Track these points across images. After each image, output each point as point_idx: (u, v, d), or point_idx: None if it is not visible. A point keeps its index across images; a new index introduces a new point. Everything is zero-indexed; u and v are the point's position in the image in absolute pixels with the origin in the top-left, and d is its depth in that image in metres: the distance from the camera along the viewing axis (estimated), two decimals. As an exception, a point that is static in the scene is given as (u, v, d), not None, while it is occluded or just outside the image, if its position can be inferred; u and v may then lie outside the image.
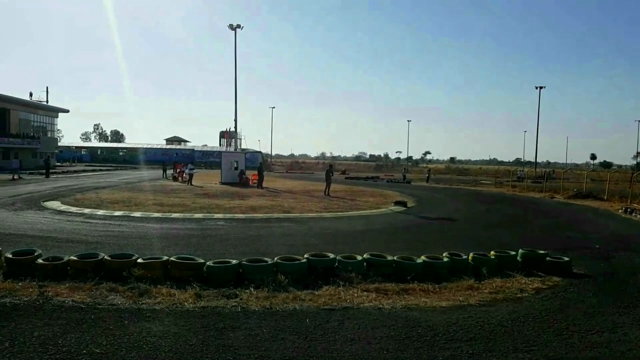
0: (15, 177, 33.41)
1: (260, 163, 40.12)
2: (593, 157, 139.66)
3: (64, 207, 17.74)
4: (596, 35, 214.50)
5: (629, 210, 21.96)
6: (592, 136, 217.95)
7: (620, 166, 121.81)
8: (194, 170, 35.24)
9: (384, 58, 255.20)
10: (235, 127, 44.84)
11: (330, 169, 28.96)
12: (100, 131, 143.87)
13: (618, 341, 5.86)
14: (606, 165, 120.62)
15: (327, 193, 26.35)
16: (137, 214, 16.42)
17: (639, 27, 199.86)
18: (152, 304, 6.57)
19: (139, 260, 7.91)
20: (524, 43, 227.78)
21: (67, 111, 67.72)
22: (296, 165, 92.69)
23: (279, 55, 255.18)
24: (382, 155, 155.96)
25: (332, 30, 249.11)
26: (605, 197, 28.47)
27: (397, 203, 22.47)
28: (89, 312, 6.19)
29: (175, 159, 45.50)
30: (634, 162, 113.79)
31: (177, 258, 8.08)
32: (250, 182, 33.00)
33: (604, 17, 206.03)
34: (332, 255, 8.68)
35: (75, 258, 7.96)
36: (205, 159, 78.16)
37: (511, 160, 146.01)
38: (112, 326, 5.75)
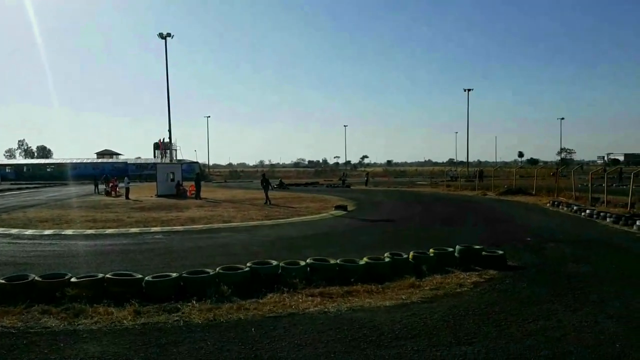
0: None
1: (198, 173, 39.27)
2: (521, 154, 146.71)
3: (-13, 229, 16.66)
4: (520, 35, 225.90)
5: (556, 203, 23.22)
6: (519, 135, 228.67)
7: (545, 162, 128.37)
8: (130, 184, 34.08)
9: (317, 65, 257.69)
10: (170, 138, 43.84)
11: (264, 177, 28.61)
12: (26, 147, 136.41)
13: (553, 328, 6.16)
14: (533, 162, 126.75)
15: (267, 202, 25.84)
16: (69, 232, 15.67)
17: (562, 26, 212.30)
18: (89, 324, 6.27)
19: (73, 280, 7.53)
20: (452, 45, 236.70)
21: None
22: (235, 175, 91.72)
23: (212, 63, 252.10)
24: (321, 161, 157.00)
25: (266, 37, 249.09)
26: (534, 192, 29.96)
27: (337, 207, 22.65)
28: (21, 337, 5.82)
29: (107, 173, 43.83)
30: (559, 158, 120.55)
31: (114, 275, 7.77)
32: (188, 194, 32.31)
33: (526, 17, 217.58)
34: (275, 262, 8.63)
35: (2, 281, 7.48)
36: (139, 172, 75.63)
37: (445, 161, 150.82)
38: (47, 350, 5.43)
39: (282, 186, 43.37)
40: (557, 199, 24.75)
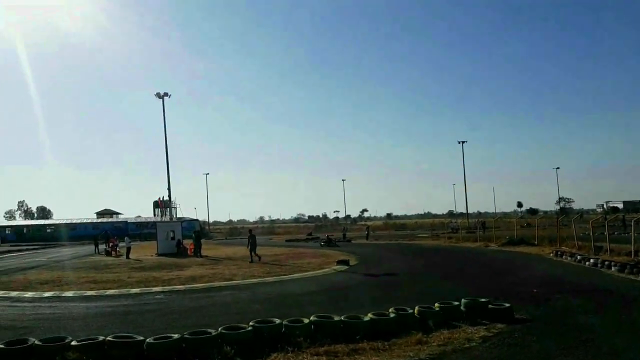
0: None
1: (197, 231, 39.16)
2: (519, 204, 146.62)
3: (-14, 292, 16.45)
4: (513, 85, 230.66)
5: (559, 253, 23.06)
6: (516, 184, 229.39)
7: (545, 212, 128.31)
8: (131, 243, 33.91)
9: (314, 119, 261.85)
10: (169, 196, 43.98)
11: (250, 233, 27.38)
12: (26, 208, 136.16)
13: (565, 382, 6.01)
14: (532, 211, 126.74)
15: (252, 260, 24.47)
16: (69, 294, 15.47)
17: (552, 81, 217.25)
18: (90, 389, 6.11)
19: (73, 343, 7.39)
20: (447, 96, 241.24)
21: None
22: (235, 231, 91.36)
23: (209, 120, 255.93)
24: (321, 216, 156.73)
25: (260, 93, 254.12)
26: (536, 242, 29.85)
27: (339, 262, 22.47)
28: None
29: (107, 233, 43.70)
30: (558, 207, 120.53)
31: (115, 337, 7.63)
32: (189, 252, 32.11)
33: (517, 71, 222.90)
34: (278, 321, 8.49)
35: (1, 346, 7.33)
36: (139, 231, 75.32)
37: (444, 213, 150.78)
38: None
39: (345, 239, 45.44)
40: (560, 248, 24.62)
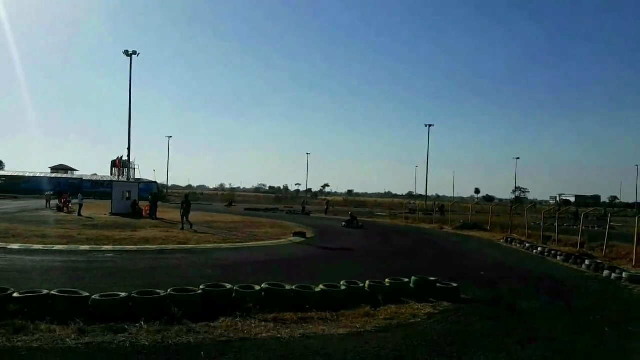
0: None
1: (155, 193, 38.47)
2: (477, 191, 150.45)
3: None
4: (476, 76, 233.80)
5: (509, 239, 23.79)
6: (476, 172, 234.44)
7: (501, 200, 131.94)
8: (84, 200, 33.05)
9: (281, 92, 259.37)
10: (129, 156, 43.01)
11: (185, 199, 25.27)
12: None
13: (502, 360, 6.23)
14: (488, 199, 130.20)
15: (184, 227, 22.93)
16: (15, 246, 15.00)
17: (518, 71, 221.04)
18: (29, 341, 5.96)
19: (15, 295, 7.18)
20: (415, 80, 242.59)
21: None
22: (194, 196, 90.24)
23: (175, 83, 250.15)
24: (282, 188, 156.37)
25: (231, 62, 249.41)
26: (489, 228, 30.66)
27: (296, 234, 22.54)
28: (-49, 355, 5.48)
29: (60, 188, 42.43)
30: (513, 196, 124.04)
31: (59, 292, 7.45)
32: (144, 213, 31.58)
33: (483, 58, 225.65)
34: (229, 286, 8.47)
35: (-63, 294, 7.06)
36: (95, 189, 73.47)
37: (404, 194, 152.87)
38: (-21, 368, 5.13)
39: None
40: (511, 235, 25.40)
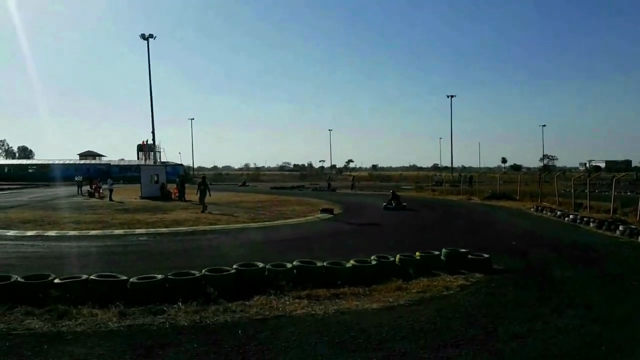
0: None
1: (182, 175, 38.95)
2: (504, 160, 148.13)
3: (-33, 230, 16.35)
4: (503, 44, 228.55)
5: (539, 208, 23.46)
6: (502, 141, 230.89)
7: (529, 168, 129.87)
8: (114, 185, 33.73)
9: (303, 69, 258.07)
10: (154, 140, 43.35)
11: (202, 181, 25.20)
12: (7, 147, 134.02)
13: (539, 330, 6.21)
14: (516, 168, 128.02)
15: (204, 210, 22.65)
16: (52, 233, 15.45)
17: (544, 36, 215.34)
18: (73, 325, 6.17)
19: (56, 281, 7.42)
20: (437, 50, 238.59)
21: (-32, 127, 62.71)
22: (220, 177, 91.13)
23: (198, 64, 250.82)
24: (307, 165, 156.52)
25: (254, 41, 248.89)
26: (518, 197, 30.25)
27: (323, 211, 22.63)
28: (3, 339, 5.71)
29: (89, 174, 43.25)
30: (541, 164, 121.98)
31: (98, 276, 7.66)
32: (173, 196, 32.06)
33: (511, 25, 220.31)
34: (261, 265, 8.59)
35: (-17, 282, 7.34)
36: (123, 174, 74.82)
37: (429, 166, 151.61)
38: (30, 352, 5.34)
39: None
40: (541, 204, 25.03)
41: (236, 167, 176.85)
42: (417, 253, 9.97)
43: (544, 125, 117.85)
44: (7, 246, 13.11)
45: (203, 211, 22.46)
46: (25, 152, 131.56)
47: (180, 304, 7.03)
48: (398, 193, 28.42)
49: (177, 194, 31.66)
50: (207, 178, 31.06)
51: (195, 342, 5.69)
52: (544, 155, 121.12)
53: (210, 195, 24.43)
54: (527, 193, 30.95)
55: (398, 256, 9.66)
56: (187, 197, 30.80)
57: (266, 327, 6.25)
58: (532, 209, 24.12)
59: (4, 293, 7.10)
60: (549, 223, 19.38)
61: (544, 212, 22.45)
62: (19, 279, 7.48)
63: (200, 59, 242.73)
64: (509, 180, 48.85)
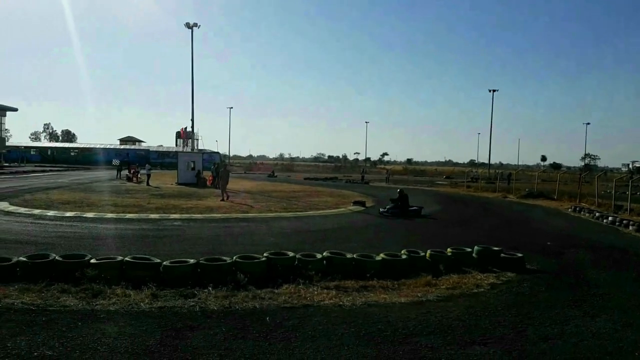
0: None
1: (218, 163, 39.48)
2: (543, 158, 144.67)
3: (12, 208, 17.01)
4: (546, 42, 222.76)
5: (577, 209, 22.84)
6: (542, 139, 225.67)
7: (569, 167, 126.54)
8: (152, 171, 34.51)
9: (339, 63, 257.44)
10: (192, 127, 44.24)
11: (224, 168, 24.63)
12: (51, 131, 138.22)
13: (571, 333, 6.07)
14: (556, 166, 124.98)
15: (224, 198, 22.17)
16: (90, 215, 15.92)
17: (588, 34, 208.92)
18: (107, 305, 6.37)
19: (92, 261, 7.66)
20: (479, 46, 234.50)
21: (16, 110, 64.89)
22: (254, 166, 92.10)
23: (237, 57, 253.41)
24: (341, 157, 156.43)
25: (292, 32, 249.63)
26: (556, 197, 29.52)
27: (355, 203, 22.60)
28: (40, 314, 5.95)
29: (128, 159, 44.38)
30: (582, 164, 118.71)
31: (132, 258, 7.87)
32: (208, 183, 32.57)
33: (556, 22, 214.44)
34: (291, 254, 8.65)
35: (24, 259, 7.64)
36: (161, 160, 76.38)
37: (465, 162, 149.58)
38: (65, 328, 5.54)
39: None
40: (579, 204, 24.37)
41: (271, 156, 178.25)
42: (448, 249, 9.87)
43: (588, 124, 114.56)
44: (47, 226, 13.58)
45: (223, 199, 22.00)
46: (69, 136, 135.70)
47: (210, 288, 7.17)
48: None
49: (211, 181, 32.14)
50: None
51: (223, 326, 5.80)
52: (585, 155, 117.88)
53: (227, 183, 23.91)
54: (565, 193, 30.18)
55: (428, 252, 9.58)
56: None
57: (294, 315, 6.31)
58: (569, 209, 23.51)
59: (43, 270, 7.39)
60: (587, 224, 18.87)
61: (582, 212, 21.85)
62: (57, 257, 7.77)
63: (241, 45, 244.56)
64: (547, 179, 47.78)
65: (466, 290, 7.93)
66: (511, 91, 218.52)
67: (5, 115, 63.35)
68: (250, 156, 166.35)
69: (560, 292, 8.17)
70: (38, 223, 14.01)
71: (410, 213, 19.15)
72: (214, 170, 32.88)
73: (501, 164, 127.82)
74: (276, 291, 7.28)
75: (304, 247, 10.03)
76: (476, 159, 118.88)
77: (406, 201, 19.66)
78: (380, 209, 19.76)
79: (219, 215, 17.13)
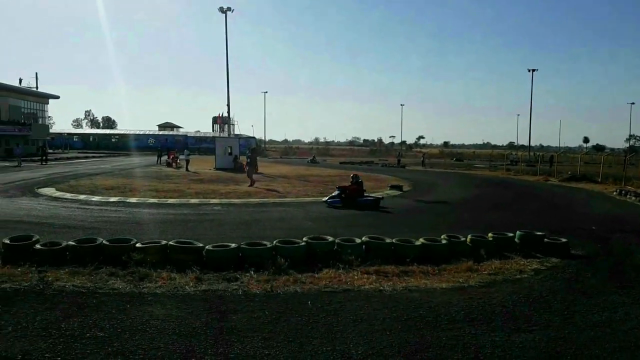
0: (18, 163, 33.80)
1: (254, 148, 39.90)
2: (586, 140, 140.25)
3: (58, 194, 17.63)
4: (589, 20, 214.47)
5: (623, 192, 22.08)
6: (584, 120, 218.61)
7: (612, 149, 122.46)
8: (190, 156, 35.16)
9: (375, 45, 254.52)
10: (228, 113, 44.57)
11: (253, 153, 24.00)
12: (92, 117, 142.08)
13: (620, 320, 5.92)
14: (599, 148, 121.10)
15: (251, 184, 21.86)
16: (133, 200, 16.35)
17: (631, 13, 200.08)
18: (153, 288, 6.56)
19: (138, 245, 7.88)
20: (518, 26, 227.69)
21: (58, 97, 66.89)
22: (290, 151, 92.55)
23: (271, 40, 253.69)
24: (376, 140, 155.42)
25: (327, 16, 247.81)
26: (599, 180, 28.62)
27: (392, 187, 22.48)
28: (90, 297, 6.17)
29: (167, 145, 45.24)
30: (627, 145, 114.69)
31: (176, 242, 8.06)
32: (245, 168, 32.92)
33: (599, 1, 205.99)
34: (330, 239, 8.69)
35: (73, 243, 7.93)
36: (198, 145, 77.65)
37: (504, 144, 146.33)
38: (114, 310, 5.73)
39: None
40: (625, 187, 23.55)
41: (306, 141, 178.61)
42: (490, 234, 9.71)
43: (633, 103, 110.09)
44: (92, 211, 14.02)
45: (251, 185, 21.66)
46: (109, 122, 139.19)
47: (252, 272, 7.28)
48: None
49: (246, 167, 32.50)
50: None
51: (266, 309, 5.89)
52: (630, 136, 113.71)
53: (257, 169, 23.63)
54: (610, 175, 29.21)
55: (469, 236, 9.45)
56: (259, 169, 31.53)
57: (335, 299, 6.35)
58: (614, 193, 22.74)
59: (91, 254, 7.65)
60: (633, 208, 18.25)
61: (628, 196, 21.11)
62: (104, 241, 8.03)
63: (276, 29, 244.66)
64: (590, 161, 46.39)
65: (509, 276, 7.80)
66: (551, 71, 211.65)
67: (47, 103, 65.42)
68: (285, 140, 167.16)
69: (608, 278, 7.95)
70: (84, 208, 14.49)
71: (361, 203, 15.94)
72: (248, 155, 33.25)
73: (541, 146, 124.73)
74: (317, 276, 7.33)
75: (343, 232, 10.03)
76: (515, 141, 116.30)
77: (359, 190, 16.65)
78: (324, 198, 16.93)
79: (257, 200, 17.32)
